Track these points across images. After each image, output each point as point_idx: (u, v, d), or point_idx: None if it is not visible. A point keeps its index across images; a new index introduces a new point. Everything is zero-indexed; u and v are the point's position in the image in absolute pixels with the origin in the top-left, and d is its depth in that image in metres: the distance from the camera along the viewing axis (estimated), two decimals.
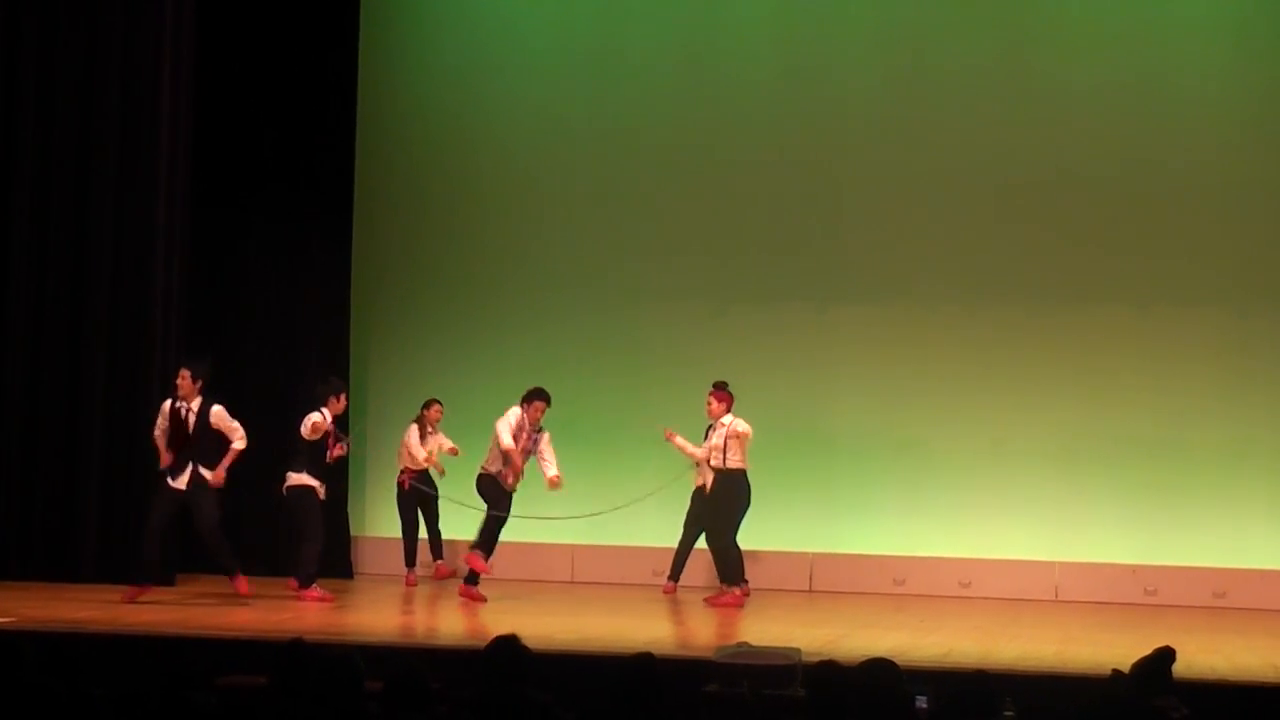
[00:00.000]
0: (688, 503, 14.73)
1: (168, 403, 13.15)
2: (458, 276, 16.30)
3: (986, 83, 15.60)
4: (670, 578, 14.60)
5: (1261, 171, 15.23)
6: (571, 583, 15.44)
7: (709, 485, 14.26)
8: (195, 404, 13.05)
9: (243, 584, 13.02)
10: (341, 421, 13.87)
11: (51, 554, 14.24)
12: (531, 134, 16.26)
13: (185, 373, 13.07)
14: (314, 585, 13.44)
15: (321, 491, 13.64)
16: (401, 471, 15.07)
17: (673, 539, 14.83)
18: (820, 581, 15.51)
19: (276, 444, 14.69)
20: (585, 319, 16.06)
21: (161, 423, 13.12)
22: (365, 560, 15.79)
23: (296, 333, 15.67)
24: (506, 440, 13.55)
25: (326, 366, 15.34)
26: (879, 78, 15.80)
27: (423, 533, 15.17)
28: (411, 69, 16.50)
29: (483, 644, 7.02)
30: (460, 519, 14.49)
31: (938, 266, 15.61)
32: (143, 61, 14.43)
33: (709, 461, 14.20)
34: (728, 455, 14.01)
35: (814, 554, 15.56)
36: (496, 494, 13.64)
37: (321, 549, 13.68)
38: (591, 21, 16.38)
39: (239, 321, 15.69)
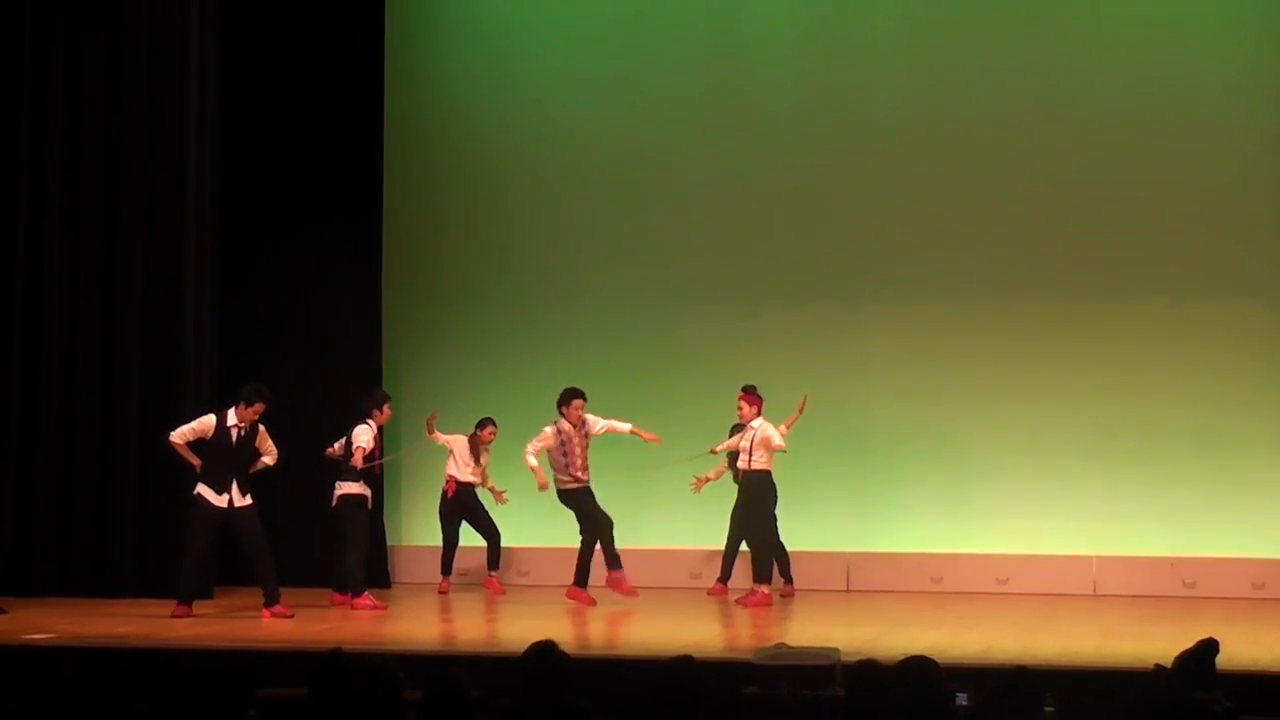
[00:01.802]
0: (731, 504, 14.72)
1: (212, 418, 13.08)
2: (488, 282, 16.32)
3: (1012, 81, 15.56)
4: (719, 579, 14.60)
5: None
6: (608, 587, 15.42)
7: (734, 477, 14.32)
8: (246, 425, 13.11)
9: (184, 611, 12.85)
10: (382, 430, 14.00)
11: (90, 570, 14.28)
12: (558, 141, 16.27)
13: (263, 406, 13.06)
14: (365, 593, 13.52)
15: (370, 500, 13.88)
16: (447, 480, 15.08)
17: (709, 541, 14.85)
18: (857, 581, 15.48)
19: (309, 452, 14.76)
20: (616, 323, 16.06)
21: (189, 434, 13.02)
22: (402, 569, 15.81)
23: (327, 342, 15.70)
24: (531, 462, 13.93)
25: (358, 375, 15.38)
26: (905, 78, 15.77)
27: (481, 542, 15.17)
28: (436, 77, 16.51)
29: (521, 651, 7.03)
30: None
31: (968, 263, 15.57)
32: (168, 74, 14.46)
33: (736, 462, 14.29)
34: (754, 457, 14.09)
35: (850, 553, 15.54)
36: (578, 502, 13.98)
37: (363, 555, 13.80)
38: (616, 28, 16.37)
39: (269, 332, 15.73)
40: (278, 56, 15.67)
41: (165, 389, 14.30)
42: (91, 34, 14.56)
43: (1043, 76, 15.53)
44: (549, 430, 13.93)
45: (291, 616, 12.73)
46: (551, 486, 13.93)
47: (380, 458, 14.02)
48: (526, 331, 16.16)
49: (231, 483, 12.96)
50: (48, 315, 14.45)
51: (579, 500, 13.95)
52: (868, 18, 15.89)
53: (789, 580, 14.72)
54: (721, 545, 14.69)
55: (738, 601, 13.98)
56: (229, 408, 13.12)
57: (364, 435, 13.72)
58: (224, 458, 12.99)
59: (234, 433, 13.01)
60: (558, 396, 13.98)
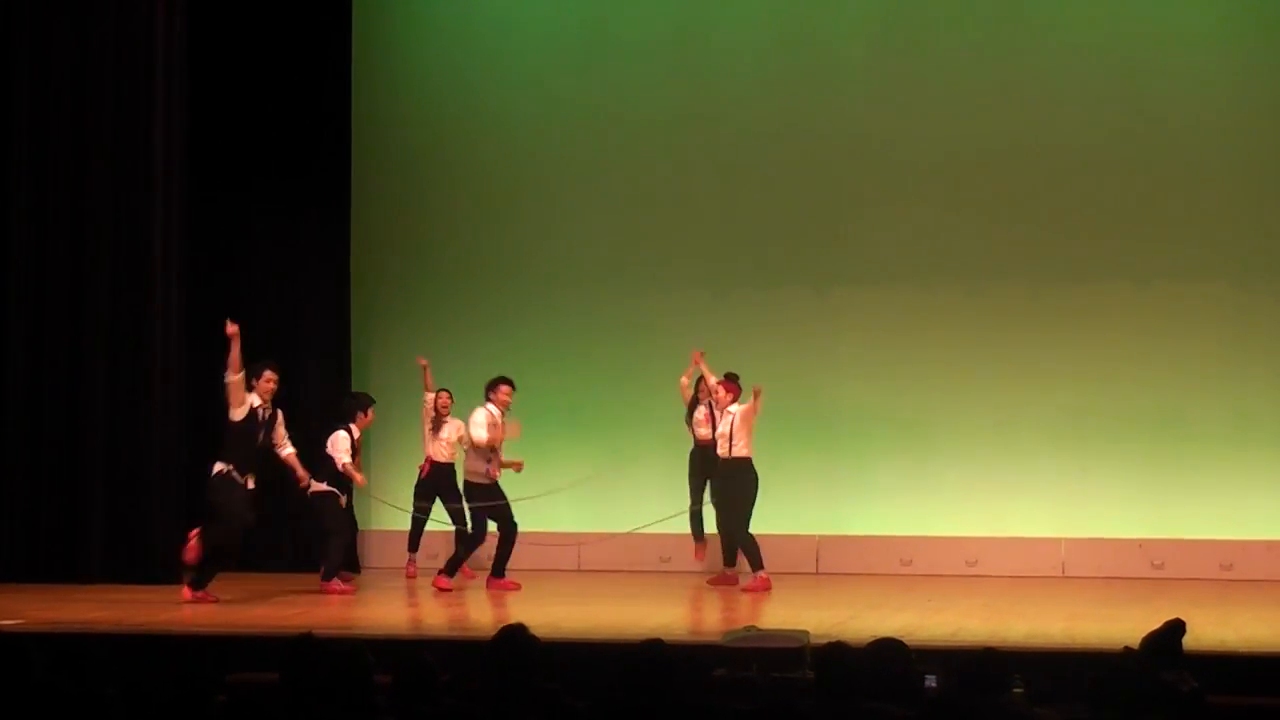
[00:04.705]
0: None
1: (252, 398, 12.93)
2: (456, 265, 16.30)
3: (982, 63, 15.59)
4: (725, 565, 14.54)
5: (1259, 145, 15.20)
6: (578, 571, 15.45)
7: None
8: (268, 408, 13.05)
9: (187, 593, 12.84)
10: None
11: (58, 556, 14.24)
12: (527, 119, 16.25)
13: (276, 375, 13.00)
14: (334, 579, 13.53)
15: (342, 500, 13.88)
16: (425, 460, 14.96)
17: (678, 525, 14.81)
18: (827, 563, 15.51)
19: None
20: (586, 305, 16.05)
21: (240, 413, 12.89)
22: (372, 554, 15.80)
23: (297, 325, 15.65)
24: (480, 435, 13.82)
25: (326, 357, 15.40)
26: (875, 59, 15.79)
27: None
28: (406, 52, 16.48)
29: (490, 634, 7.03)
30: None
31: (938, 247, 15.59)
32: (136, 54, 14.41)
33: (716, 448, 14.27)
34: (734, 444, 14.02)
35: (820, 536, 15.57)
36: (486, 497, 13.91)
37: (345, 542, 13.90)
38: (586, 2, 16.37)
39: (238, 316, 15.64)
40: (245, 33, 15.59)
41: (133, 373, 14.26)
42: (58, 23, 14.47)
43: (1010, 62, 15.56)
44: (482, 410, 13.93)
45: (216, 601, 12.64)
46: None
47: (357, 460, 13.99)
48: (496, 316, 16.13)
49: (253, 469, 12.87)
50: (14, 302, 14.39)
51: (495, 498, 13.95)
52: (837, 5, 15.90)
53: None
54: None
55: (708, 581, 13.97)
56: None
57: (340, 446, 13.67)
58: (250, 440, 12.89)
59: (260, 413, 12.94)
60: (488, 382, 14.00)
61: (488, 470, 13.90)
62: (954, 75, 15.62)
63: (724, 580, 14.31)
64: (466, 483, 14.05)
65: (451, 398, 14.87)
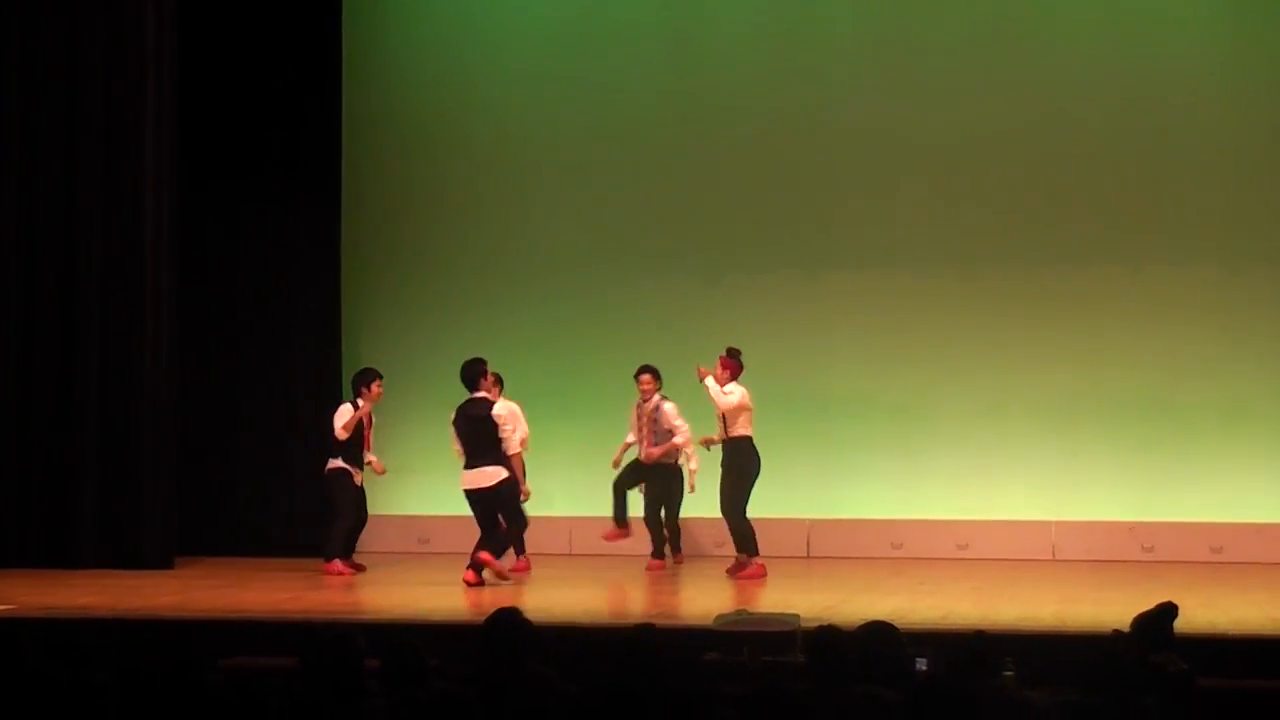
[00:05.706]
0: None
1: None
2: (448, 251, 16.26)
3: (976, 47, 15.57)
4: (672, 551, 14.43)
5: (1252, 128, 15.20)
6: (569, 555, 15.45)
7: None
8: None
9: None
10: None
11: (49, 541, 14.22)
12: (518, 107, 16.21)
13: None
14: (335, 560, 13.67)
15: (357, 476, 13.98)
16: None
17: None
18: (818, 547, 15.53)
19: (269, 423, 14.78)
20: (578, 291, 16.02)
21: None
22: (371, 538, 15.72)
23: (289, 316, 15.64)
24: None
25: (318, 349, 15.40)
26: (868, 44, 15.77)
27: None
28: (396, 42, 16.43)
29: (482, 619, 7.04)
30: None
31: (930, 231, 15.59)
32: (126, 47, 14.36)
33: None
34: (730, 424, 13.87)
35: (811, 520, 15.58)
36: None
37: (350, 527, 13.91)
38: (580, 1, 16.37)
39: (229, 306, 15.67)
40: (234, 21, 15.56)
41: (125, 361, 14.24)
42: (49, 9, 14.43)
43: (1003, 47, 15.54)
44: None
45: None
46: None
47: (368, 434, 14.04)
48: (487, 301, 16.11)
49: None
50: (5, 291, 14.35)
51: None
52: None
53: (678, 551, 14.54)
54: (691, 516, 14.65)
55: (728, 572, 13.86)
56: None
57: (340, 419, 13.79)
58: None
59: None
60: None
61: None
62: (947, 59, 15.61)
63: (740, 568, 14.13)
64: None
65: (500, 381, 14.16)
